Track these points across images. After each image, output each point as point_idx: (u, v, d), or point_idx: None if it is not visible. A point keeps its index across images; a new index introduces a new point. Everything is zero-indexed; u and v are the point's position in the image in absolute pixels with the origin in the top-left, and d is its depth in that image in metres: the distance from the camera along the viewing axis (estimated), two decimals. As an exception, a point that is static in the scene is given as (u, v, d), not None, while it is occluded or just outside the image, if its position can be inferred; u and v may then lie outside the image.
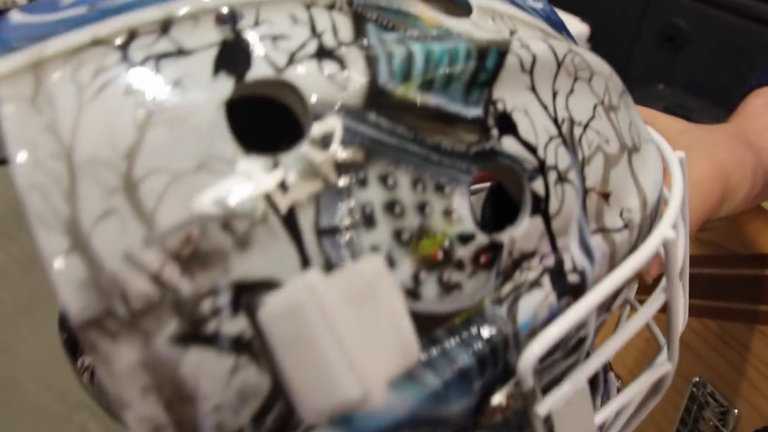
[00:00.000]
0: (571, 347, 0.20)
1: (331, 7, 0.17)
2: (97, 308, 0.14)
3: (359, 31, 0.17)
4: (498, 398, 0.18)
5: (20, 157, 0.14)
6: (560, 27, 0.22)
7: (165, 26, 0.16)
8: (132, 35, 0.16)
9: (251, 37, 0.16)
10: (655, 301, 0.21)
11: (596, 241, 0.19)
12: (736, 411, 0.45)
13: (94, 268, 0.14)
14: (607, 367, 0.32)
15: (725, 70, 0.51)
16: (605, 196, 0.20)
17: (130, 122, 0.15)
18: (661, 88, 0.51)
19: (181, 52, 0.16)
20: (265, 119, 0.21)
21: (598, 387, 0.28)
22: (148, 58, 0.16)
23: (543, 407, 0.19)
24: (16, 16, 0.17)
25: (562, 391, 0.19)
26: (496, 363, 0.18)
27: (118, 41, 0.16)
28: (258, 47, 0.16)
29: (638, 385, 0.23)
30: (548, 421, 0.20)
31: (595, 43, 0.49)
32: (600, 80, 0.21)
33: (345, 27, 0.17)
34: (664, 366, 0.24)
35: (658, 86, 0.51)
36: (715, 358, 0.47)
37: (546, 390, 0.19)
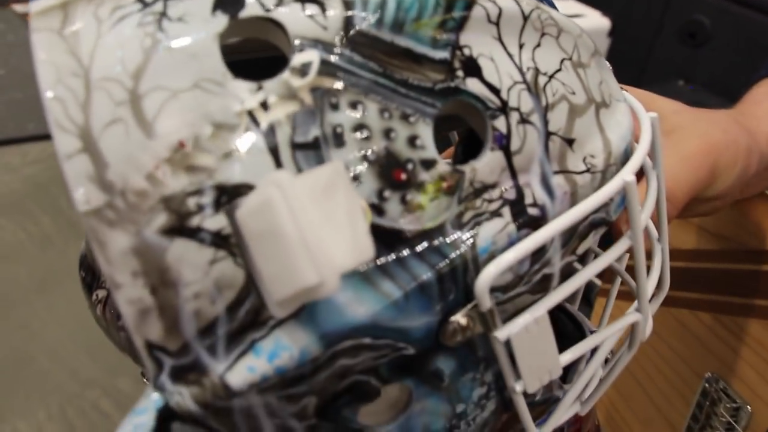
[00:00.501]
0: (536, 283, 0.22)
1: None
2: (100, 199, 0.17)
3: None
4: (457, 318, 0.20)
5: (45, 74, 0.17)
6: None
7: None
8: None
9: None
10: (621, 243, 0.23)
11: (558, 181, 0.21)
12: (749, 408, 0.45)
13: (100, 166, 0.17)
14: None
15: (747, 67, 0.51)
16: (569, 141, 0.22)
17: (139, 48, 0.18)
18: (681, 85, 0.51)
19: None
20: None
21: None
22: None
23: (502, 332, 0.21)
24: None
25: (521, 318, 0.21)
26: (456, 283, 0.20)
27: None
28: None
29: (607, 330, 0.25)
30: (509, 347, 0.22)
31: (616, 38, 0.50)
32: (568, 38, 0.23)
33: None
34: (632, 315, 0.25)
35: (677, 83, 0.52)
36: (729, 354, 0.48)
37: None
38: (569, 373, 0.30)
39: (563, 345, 0.24)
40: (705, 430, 0.49)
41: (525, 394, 0.25)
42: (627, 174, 0.22)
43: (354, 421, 0.21)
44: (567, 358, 0.24)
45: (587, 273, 0.22)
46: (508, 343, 0.21)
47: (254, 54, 0.24)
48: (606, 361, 0.30)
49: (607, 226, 0.24)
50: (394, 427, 0.22)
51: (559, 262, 0.22)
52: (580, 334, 0.33)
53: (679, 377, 0.53)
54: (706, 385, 0.49)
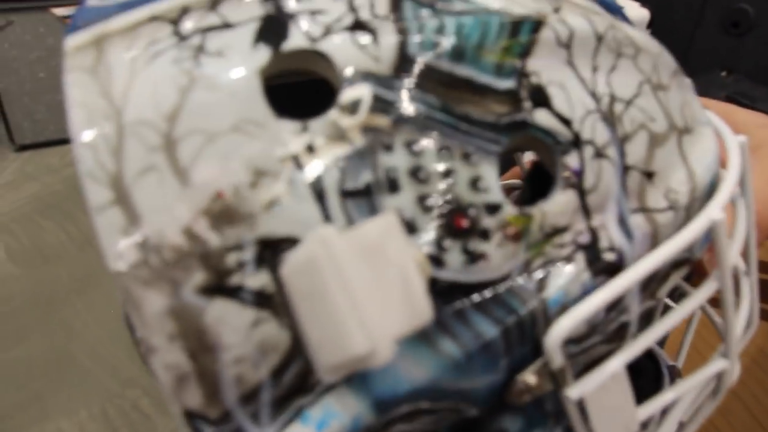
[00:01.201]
0: (612, 332, 0.20)
1: None
2: (133, 256, 0.16)
3: (395, 6, 0.18)
4: (526, 376, 0.18)
5: (76, 118, 0.16)
6: (614, 10, 0.22)
7: (214, 3, 0.18)
8: (185, 10, 0.18)
9: (291, 11, 0.17)
10: (707, 287, 0.21)
11: (637, 221, 0.19)
12: None
13: (133, 219, 0.16)
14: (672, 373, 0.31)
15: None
16: (648, 174, 0.20)
17: (174, 87, 0.16)
18: (724, 76, 0.48)
19: (226, 25, 0.17)
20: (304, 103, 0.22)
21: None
22: (196, 31, 0.17)
23: (575, 390, 0.19)
24: (92, 1, 0.20)
25: (595, 375, 0.19)
26: (524, 339, 0.18)
27: (172, 14, 0.17)
28: (296, 20, 0.17)
29: (690, 381, 0.22)
30: (582, 407, 0.20)
31: (656, 28, 0.47)
32: (647, 58, 0.20)
33: (382, 2, 0.18)
34: (718, 362, 0.23)
35: (720, 73, 0.48)
36: None
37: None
38: None
39: (636, 381, 0.22)
40: None
41: None
42: (715, 211, 0.20)
43: (409, 487, 0.19)
44: (645, 413, 0.22)
45: (670, 322, 0.20)
46: (580, 401, 0.20)
47: (296, 78, 0.23)
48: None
49: (690, 266, 0.22)
50: None
51: (638, 308, 0.20)
52: (654, 368, 0.31)
53: None
54: None
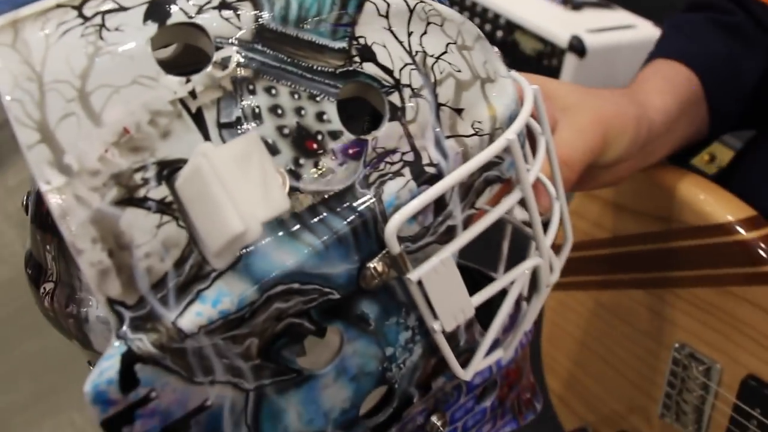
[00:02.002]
0: (441, 233, 0.27)
1: None
2: (60, 180, 0.21)
3: None
4: (373, 263, 0.25)
5: (3, 80, 0.21)
6: None
7: None
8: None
9: None
10: (513, 194, 0.28)
11: (450, 144, 0.26)
12: (718, 365, 0.51)
13: (58, 153, 0.21)
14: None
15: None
16: (457, 110, 0.27)
17: (84, 54, 0.22)
18: None
19: (121, 8, 0.23)
20: None
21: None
22: (97, 13, 0.23)
23: (414, 274, 0.25)
24: None
25: (429, 261, 0.26)
26: (368, 234, 0.24)
27: (75, 3, 0.23)
28: (176, 3, 0.23)
29: (510, 274, 0.29)
30: (423, 290, 0.26)
31: None
32: (452, 25, 0.28)
33: None
34: (533, 259, 0.30)
35: None
36: (690, 322, 0.53)
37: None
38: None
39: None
40: (683, 393, 0.54)
41: (449, 340, 0.30)
42: (510, 133, 0.27)
43: (294, 362, 0.25)
44: (477, 300, 0.28)
45: (486, 220, 0.27)
46: (421, 286, 0.26)
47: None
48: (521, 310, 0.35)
49: (501, 183, 0.29)
50: (331, 368, 0.26)
51: (461, 214, 0.27)
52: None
53: (649, 353, 0.58)
54: (676, 354, 0.54)
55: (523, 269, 0.30)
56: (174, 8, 0.23)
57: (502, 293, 0.34)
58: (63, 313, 0.28)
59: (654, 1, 0.55)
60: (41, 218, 0.28)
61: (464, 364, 0.32)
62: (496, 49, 0.31)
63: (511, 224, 0.35)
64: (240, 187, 0.20)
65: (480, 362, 0.31)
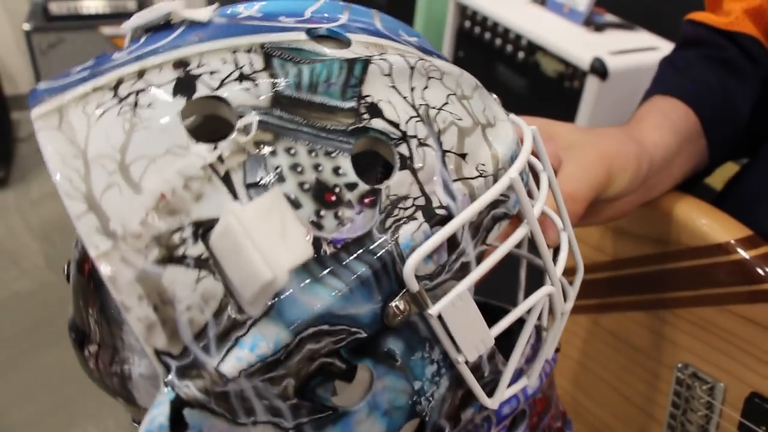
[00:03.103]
0: (456, 270, 0.29)
1: (248, 51, 0.27)
2: (107, 245, 0.23)
3: (267, 63, 0.27)
4: (395, 303, 0.27)
5: (53, 160, 0.24)
6: (430, 51, 0.32)
7: (141, 73, 0.26)
8: (120, 81, 0.26)
9: (195, 73, 0.26)
10: (520, 229, 0.30)
11: (457, 186, 0.29)
12: (722, 384, 0.52)
13: (104, 220, 0.24)
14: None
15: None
16: (462, 155, 0.29)
17: (121, 130, 0.25)
18: None
19: (150, 86, 0.26)
20: None
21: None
22: (131, 93, 0.26)
23: (433, 309, 0.27)
24: (42, 85, 0.28)
25: (447, 296, 0.28)
26: (388, 275, 0.27)
27: (111, 85, 0.26)
28: (200, 79, 0.26)
29: (526, 303, 0.31)
30: (444, 324, 0.28)
31: None
32: (450, 78, 0.30)
33: (258, 61, 0.27)
34: (546, 287, 0.32)
35: None
36: (692, 342, 0.54)
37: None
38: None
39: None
40: (687, 414, 0.55)
41: (474, 372, 0.31)
42: (512, 172, 0.29)
43: (328, 400, 0.27)
44: (496, 330, 0.30)
45: (496, 255, 0.29)
46: (442, 320, 0.28)
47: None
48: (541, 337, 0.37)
49: (509, 219, 0.31)
50: (364, 405, 0.28)
51: (473, 251, 0.29)
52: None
53: (652, 374, 0.59)
54: (679, 374, 0.56)
55: (537, 298, 0.32)
56: (198, 84, 0.26)
57: (521, 324, 0.36)
58: (107, 373, 0.30)
59: (677, 23, 0.58)
60: (83, 285, 0.30)
61: (490, 394, 0.33)
62: (494, 96, 0.34)
63: (524, 258, 0.37)
64: (266, 240, 0.23)
65: (504, 390, 0.33)
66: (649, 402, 0.59)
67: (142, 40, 0.30)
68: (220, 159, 0.25)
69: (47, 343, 1.53)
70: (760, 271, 0.47)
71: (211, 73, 0.26)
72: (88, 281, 0.30)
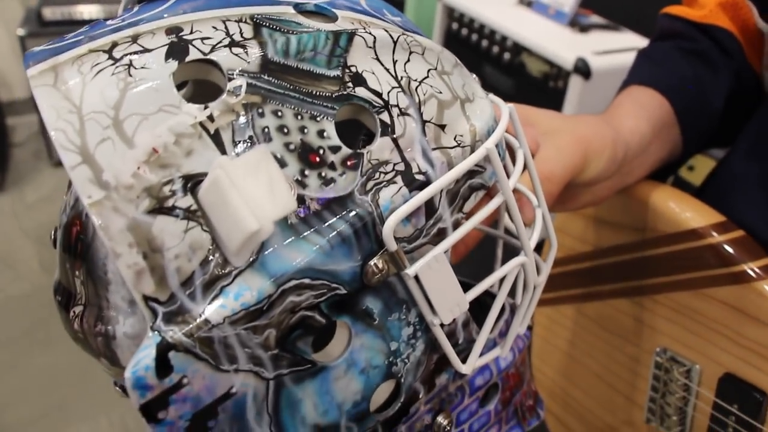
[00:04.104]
0: (434, 235, 0.30)
1: (239, 20, 0.29)
2: (99, 194, 0.25)
3: (257, 32, 0.29)
4: (374, 261, 0.28)
5: (48, 114, 0.26)
6: (413, 30, 0.34)
7: (135, 38, 0.28)
8: (114, 45, 0.28)
9: (188, 38, 0.28)
10: (495, 198, 0.32)
11: (436, 155, 0.30)
12: (698, 366, 0.54)
13: (97, 171, 0.25)
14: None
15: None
16: (441, 126, 0.31)
17: (116, 89, 0.26)
18: None
19: (145, 50, 0.27)
20: None
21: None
22: (125, 55, 0.27)
23: (411, 269, 0.29)
24: (36, 48, 0.29)
25: (424, 258, 0.29)
26: (368, 234, 0.28)
27: (105, 48, 0.27)
28: (192, 44, 0.28)
29: (499, 272, 0.33)
30: (421, 286, 0.30)
31: None
32: (432, 54, 0.32)
33: (247, 30, 0.29)
34: (519, 257, 0.34)
35: None
36: (670, 326, 0.57)
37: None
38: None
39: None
40: (666, 397, 0.58)
41: (449, 338, 0.33)
42: (488, 143, 0.31)
43: (308, 353, 0.28)
44: (471, 295, 0.32)
45: (473, 221, 0.31)
46: (418, 281, 0.30)
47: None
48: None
49: (485, 190, 0.33)
50: (342, 361, 0.29)
51: (450, 217, 0.31)
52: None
53: (633, 360, 0.61)
54: (658, 358, 0.58)
55: (511, 267, 0.33)
56: (191, 48, 0.28)
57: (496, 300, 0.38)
58: (92, 333, 0.32)
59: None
60: (71, 247, 0.32)
61: (464, 361, 0.35)
62: (474, 76, 0.36)
63: (501, 238, 0.39)
64: (252, 192, 0.24)
65: (478, 357, 0.35)
66: (631, 387, 0.62)
67: (135, 9, 0.31)
68: (210, 118, 0.26)
69: (42, 346, 1.56)
70: (731, 253, 0.49)
71: (203, 39, 0.28)
72: (75, 243, 0.31)
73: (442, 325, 0.33)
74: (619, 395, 0.63)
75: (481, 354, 0.37)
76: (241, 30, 0.29)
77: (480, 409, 0.41)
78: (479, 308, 0.39)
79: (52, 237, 0.34)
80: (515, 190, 0.40)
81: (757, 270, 0.48)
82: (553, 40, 1.22)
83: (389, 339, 0.31)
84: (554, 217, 0.67)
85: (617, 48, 1.21)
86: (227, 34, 0.28)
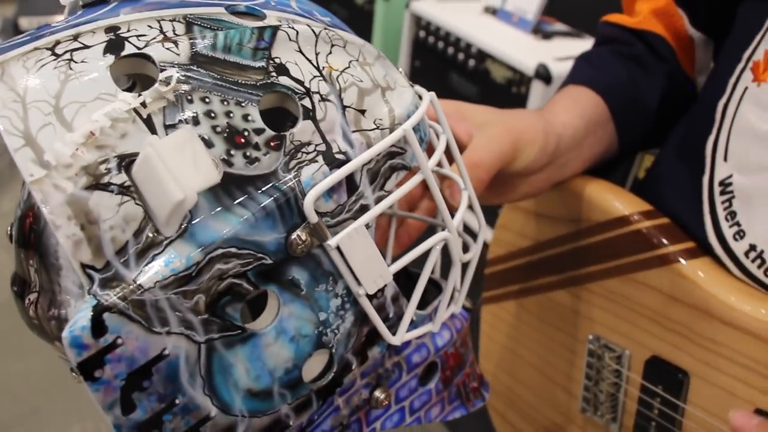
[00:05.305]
0: (356, 211, 0.34)
1: (172, 20, 0.33)
2: (41, 173, 0.28)
3: (189, 29, 0.32)
4: (297, 233, 0.32)
5: None
6: (340, 27, 0.38)
7: (76, 36, 0.31)
8: (57, 42, 0.31)
9: (124, 36, 0.31)
10: (415, 177, 0.35)
11: (356, 136, 0.34)
12: (627, 351, 0.58)
13: (39, 152, 0.28)
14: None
15: None
16: (361, 111, 0.35)
17: (57, 80, 0.30)
18: None
19: (85, 47, 0.31)
20: None
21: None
22: (67, 51, 0.31)
23: (332, 240, 0.33)
24: None
25: (345, 230, 0.33)
26: (291, 208, 0.32)
27: (49, 46, 0.31)
28: (128, 41, 0.31)
29: (421, 247, 0.37)
30: (343, 255, 0.33)
31: None
32: (354, 47, 0.36)
33: (180, 28, 0.32)
34: (441, 233, 0.37)
35: None
36: (601, 314, 0.60)
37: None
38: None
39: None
40: (599, 384, 0.61)
41: (379, 311, 0.37)
42: (405, 125, 0.35)
43: (237, 319, 0.32)
44: (395, 267, 0.35)
45: (391, 198, 0.35)
46: (341, 253, 0.33)
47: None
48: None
49: (406, 170, 0.36)
50: (271, 328, 0.33)
51: (372, 195, 0.35)
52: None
53: (568, 350, 0.65)
54: (590, 346, 0.61)
55: (434, 241, 0.37)
56: (126, 44, 0.31)
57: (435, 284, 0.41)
58: (45, 317, 0.35)
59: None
60: (25, 238, 0.35)
61: (395, 334, 0.38)
62: (401, 69, 0.40)
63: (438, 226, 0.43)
64: (178, 166, 0.28)
65: (406, 328, 0.38)
66: (568, 379, 0.65)
67: (79, 13, 0.35)
68: (143, 104, 0.30)
69: (15, 353, 1.59)
70: (655, 238, 0.54)
71: (138, 36, 0.32)
72: (29, 234, 0.34)
73: (371, 298, 0.36)
74: (558, 387, 0.67)
75: (413, 328, 0.40)
76: (174, 28, 0.32)
77: (420, 387, 0.44)
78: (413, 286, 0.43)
79: (8, 233, 0.37)
80: (446, 176, 0.44)
81: (680, 252, 0.52)
82: (516, 47, 1.28)
83: (317, 309, 0.34)
84: (498, 213, 0.71)
85: (578, 54, 1.27)
86: (161, 31, 0.32)
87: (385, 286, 0.37)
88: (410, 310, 0.38)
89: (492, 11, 1.46)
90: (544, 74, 1.15)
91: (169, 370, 0.30)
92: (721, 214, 0.50)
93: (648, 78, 0.61)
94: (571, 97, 0.59)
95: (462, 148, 0.49)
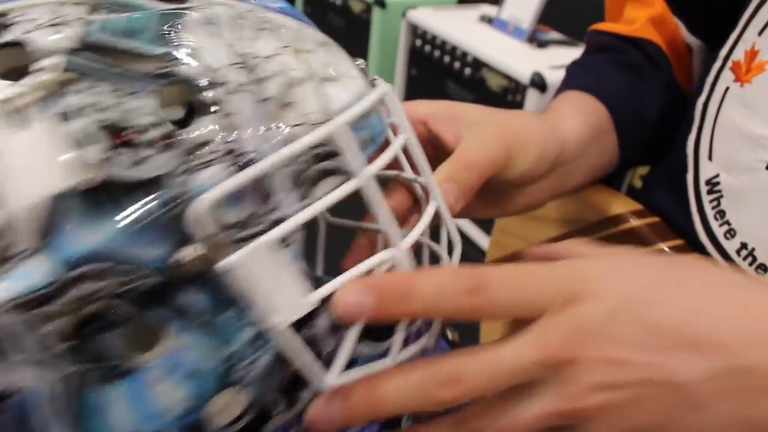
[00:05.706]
0: (271, 223, 0.28)
1: (76, 3, 0.28)
2: None
3: (90, 13, 0.28)
4: (188, 248, 0.26)
5: None
6: (292, 14, 0.33)
7: None
8: None
9: (8, 23, 0.27)
10: (343, 187, 0.29)
11: (272, 133, 0.29)
12: None
13: None
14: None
15: None
16: (286, 104, 0.29)
17: None
18: None
19: None
20: None
21: None
22: None
23: (232, 258, 0.27)
24: None
25: (248, 246, 0.27)
26: (180, 218, 0.26)
27: None
28: (10, 28, 0.27)
29: (358, 268, 0.30)
30: (244, 277, 0.27)
31: None
32: (289, 32, 0.31)
33: (81, 11, 0.28)
34: (386, 251, 0.31)
35: None
36: None
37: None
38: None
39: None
40: None
41: (311, 345, 0.30)
42: (336, 122, 0.29)
43: (113, 347, 0.26)
44: (322, 292, 0.29)
45: (311, 210, 0.28)
46: (247, 274, 0.27)
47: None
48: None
49: (341, 176, 0.30)
50: (159, 361, 0.27)
51: (295, 204, 0.29)
52: None
53: None
54: None
55: (375, 261, 0.31)
56: (11, 29, 0.27)
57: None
58: None
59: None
60: None
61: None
62: (360, 60, 0.35)
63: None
64: (37, 166, 0.23)
65: (341, 366, 0.31)
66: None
67: None
68: (21, 95, 0.25)
69: None
70: (648, 235, 0.53)
71: (28, 21, 0.27)
72: None
73: (297, 329, 0.30)
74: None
75: (360, 364, 0.34)
76: (74, 12, 0.28)
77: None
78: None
79: None
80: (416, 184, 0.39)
81: (670, 250, 0.52)
82: (511, 56, 1.25)
83: (222, 341, 0.28)
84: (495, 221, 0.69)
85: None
86: (57, 16, 0.28)
87: (319, 315, 0.31)
88: (347, 344, 0.32)
89: (488, 20, 1.43)
90: (539, 82, 1.12)
91: (24, 408, 0.25)
92: (710, 213, 0.49)
93: (647, 86, 0.58)
94: (573, 103, 0.55)
95: (449, 153, 0.44)
